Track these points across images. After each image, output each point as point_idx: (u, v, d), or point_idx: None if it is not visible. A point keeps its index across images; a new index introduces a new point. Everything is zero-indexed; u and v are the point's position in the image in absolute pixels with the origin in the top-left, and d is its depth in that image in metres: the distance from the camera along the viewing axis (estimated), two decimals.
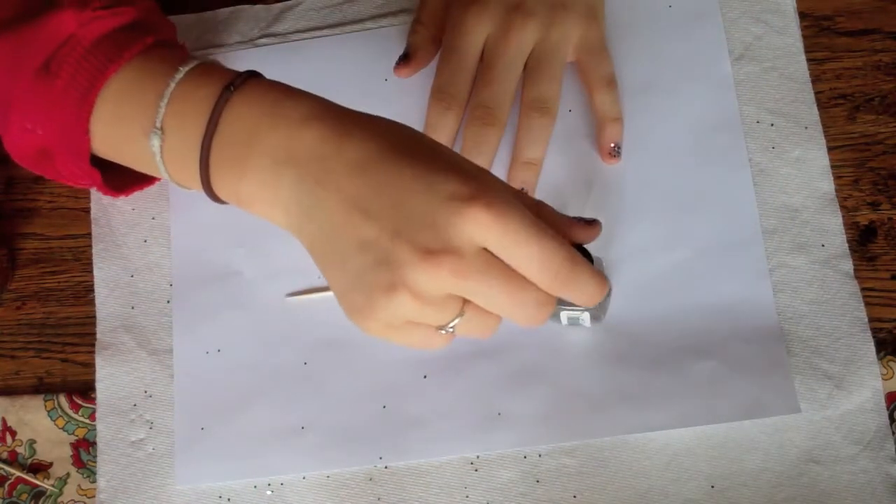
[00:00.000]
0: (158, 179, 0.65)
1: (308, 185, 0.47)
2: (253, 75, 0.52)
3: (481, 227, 0.45)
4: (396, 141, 0.47)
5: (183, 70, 0.52)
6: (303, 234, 0.48)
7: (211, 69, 0.53)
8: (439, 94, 0.62)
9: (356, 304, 0.47)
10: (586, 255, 0.53)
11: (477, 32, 0.61)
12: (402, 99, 0.66)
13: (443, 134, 0.62)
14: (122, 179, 0.62)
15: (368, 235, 0.46)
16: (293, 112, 0.49)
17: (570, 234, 0.51)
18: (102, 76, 0.53)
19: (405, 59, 0.64)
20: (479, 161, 0.61)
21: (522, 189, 0.62)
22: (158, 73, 0.53)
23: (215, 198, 0.52)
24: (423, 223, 0.45)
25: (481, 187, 0.45)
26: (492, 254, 0.46)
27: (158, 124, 0.52)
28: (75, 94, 0.54)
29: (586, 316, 0.60)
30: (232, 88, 0.50)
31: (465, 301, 0.47)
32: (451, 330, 0.48)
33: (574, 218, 0.51)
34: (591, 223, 0.51)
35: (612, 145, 0.63)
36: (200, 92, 0.51)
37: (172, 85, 0.52)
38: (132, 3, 0.57)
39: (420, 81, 0.65)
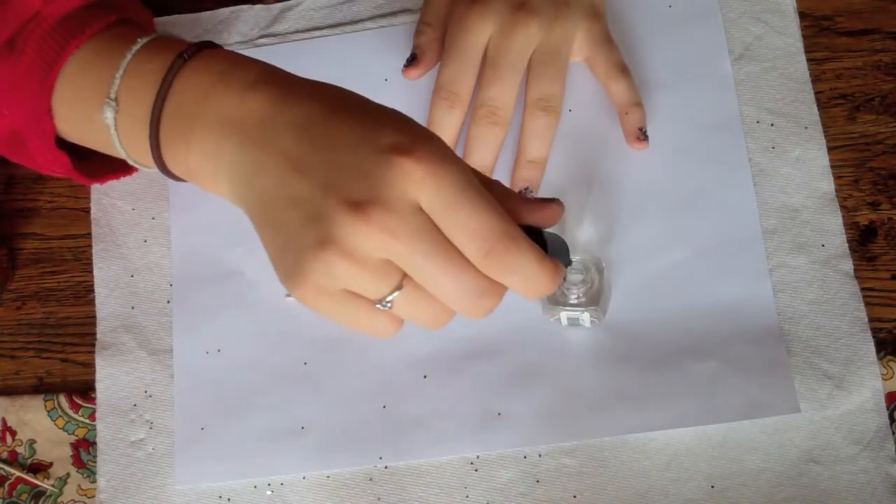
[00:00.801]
0: (134, 170, 0.64)
1: (248, 149, 0.45)
2: (207, 45, 0.51)
3: (415, 182, 0.42)
4: (341, 101, 0.45)
5: (140, 42, 0.51)
6: (243, 200, 0.46)
7: (167, 41, 0.52)
8: (443, 92, 0.62)
9: (287, 268, 0.44)
10: (551, 246, 0.47)
11: (480, 31, 0.61)
12: (402, 99, 0.66)
13: (446, 132, 0.62)
14: (97, 167, 0.61)
15: (301, 192, 0.43)
16: (242, 78, 0.47)
17: (521, 214, 0.46)
18: (64, 52, 0.53)
19: (413, 61, 0.64)
20: (483, 159, 0.62)
21: (527, 189, 0.62)
22: (116, 47, 0.52)
23: (168, 172, 0.51)
24: (354, 174, 0.42)
25: (420, 141, 0.43)
26: (430, 219, 0.43)
27: (112, 95, 0.51)
28: (38, 71, 0.53)
29: (586, 316, 0.60)
30: (185, 57, 0.49)
31: (405, 275, 0.44)
32: (388, 305, 0.44)
33: (533, 199, 0.47)
34: (549, 202, 0.46)
35: (639, 129, 0.63)
36: (154, 63, 0.50)
37: (129, 56, 0.51)
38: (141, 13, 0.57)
39: (421, 81, 0.65)
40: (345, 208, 0.42)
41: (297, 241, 0.43)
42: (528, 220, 0.46)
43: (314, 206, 0.42)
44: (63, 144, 0.57)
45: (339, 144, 0.43)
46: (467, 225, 0.42)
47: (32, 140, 0.56)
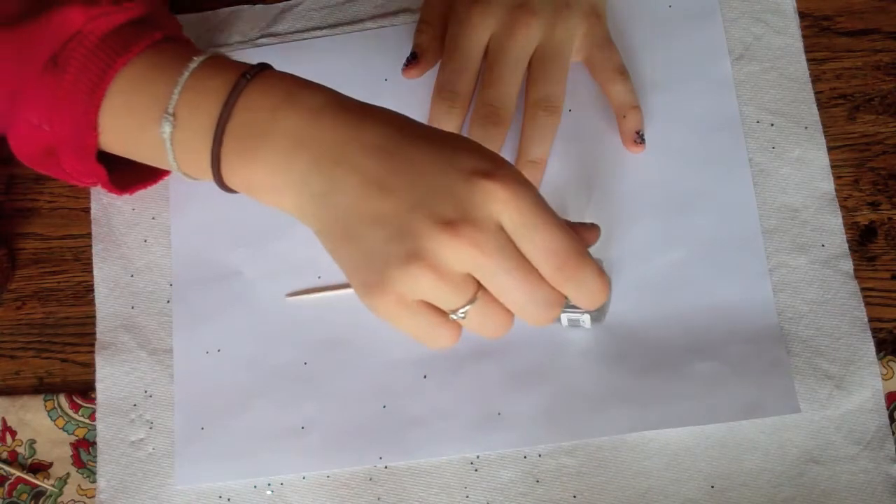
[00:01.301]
0: (162, 177, 0.65)
1: (325, 167, 0.47)
2: (266, 67, 0.52)
3: (499, 203, 0.46)
4: (411, 127, 0.49)
5: (197, 60, 0.53)
6: (314, 215, 0.49)
7: (224, 61, 0.53)
8: (443, 92, 0.62)
9: (368, 280, 0.47)
10: None
11: (481, 30, 0.61)
12: (402, 99, 0.66)
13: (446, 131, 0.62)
14: (127, 178, 0.62)
15: (386, 210, 0.46)
16: (310, 100, 0.49)
17: (575, 232, 0.51)
18: (112, 70, 0.54)
19: (413, 60, 0.64)
20: None
21: None
22: (170, 64, 0.53)
23: (224, 186, 0.52)
24: (442, 195, 0.46)
25: (499, 165, 0.47)
26: (509, 237, 0.46)
27: (171, 110, 0.52)
28: (84, 88, 0.54)
29: (587, 318, 0.60)
30: (248, 77, 0.51)
31: (480, 288, 0.47)
32: (462, 316, 0.48)
33: (577, 223, 0.52)
34: (591, 227, 0.52)
35: (636, 133, 0.63)
36: (214, 81, 0.51)
37: (186, 74, 0.52)
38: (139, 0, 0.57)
39: (421, 81, 0.65)
40: (435, 225, 0.45)
41: (383, 256, 0.46)
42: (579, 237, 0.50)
43: (401, 224, 0.46)
44: (99, 156, 0.57)
45: (421, 167, 0.46)
46: (545, 242, 0.47)
47: (68, 154, 0.57)
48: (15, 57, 0.55)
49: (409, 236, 0.45)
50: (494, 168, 0.46)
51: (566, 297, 0.58)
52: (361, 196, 0.46)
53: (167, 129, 0.52)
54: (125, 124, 0.55)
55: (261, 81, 0.51)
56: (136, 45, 0.54)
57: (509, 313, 0.48)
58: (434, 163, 0.46)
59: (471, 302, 0.47)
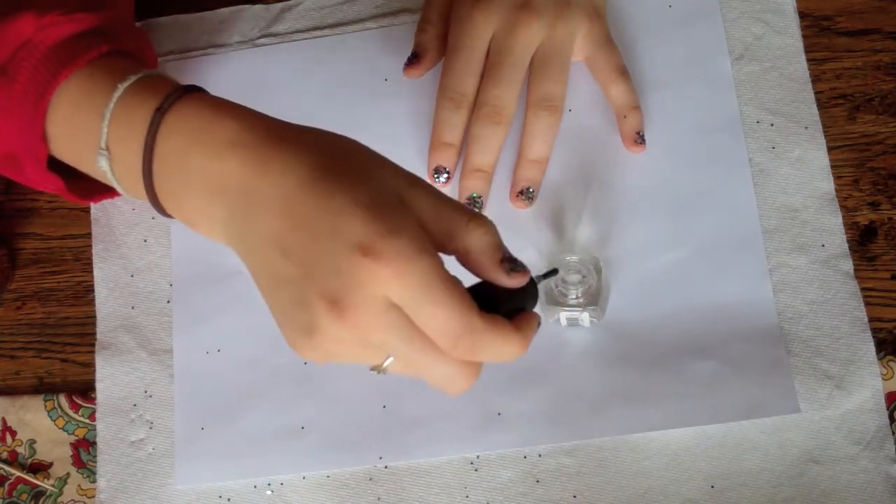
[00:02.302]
0: None
1: (237, 218, 0.47)
2: (188, 91, 0.50)
3: (381, 282, 0.43)
4: (318, 168, 0.45)
5: (121, 88, 0.51)
6: (243, 259, 0.48)
7: (147, 86, 0.51)
8: (448, 92, 0.62)
9: (288, 338, 0.46)
10: (532, 287, 0.48)
11: (484, 29, 0.61)
12: (402, 99, 0.66)
13: (452, 132, 0.62)
14: (92, 186, 0.61)
15: (286, 274, 0.45)
16: (219, 136, 0.47)
17: (494, 279, 0.47)
18: (55, 82, 0.52)
19: (415, 60, 0.64)
20: (485, 159, 0.62)
21: (528, 188, 0.62)
22: (101, 88, 0.51)
23: (171, 217, 0.52)
24: (328, 269, 0.44)
25: (385, 238, 0.43)
26: (402, 312, 0.44)
27: (103, 146, 0.51)
28: (31, 98, 0.53)
29: (585, 316, 0.60)
30: (162, 110, 0.49)
31: None
32: (384, 372, 0.46)
33: (506, 259, 0.47)
34: (518, 269, 0.47)
35: (636, 133, 0.63)
36: (136, 114, 0.50)
37: (111, 105, 0.51)
38: (97, 10, 0.56)
39: (420, 81, 0.65)
40: (324, 304, 0.44)
41: (291, 320, 0.45)
42: (500, 283, 0.47)
43: (299, 292, 0.44)
44: (58, 165, 0.56)
45: (315, 231, 0.44)
46: (434, 321, 0.44)
47: (26, 162, 0.56)
48: None
49: (306, 308, 0.44)
50: (377, 243, 0.43)
51: (550, 301, 0.58)
52: (269, 255, 0.45)
53: (104, 163, 0.51)
54: (68, 145, 0.54)
55: (174, 116, 0.49)
56: (81, 57, 0.53)
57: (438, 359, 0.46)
58: (324, 228, 0.44)
59: (387, 358, 0.46)
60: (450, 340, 0.44)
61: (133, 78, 0.51)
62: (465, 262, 0.47)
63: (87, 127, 0.51)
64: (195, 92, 0.50)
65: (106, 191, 0.62)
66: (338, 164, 0.46)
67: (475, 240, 0.46)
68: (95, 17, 0.55)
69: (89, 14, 0.55)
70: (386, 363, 0.46)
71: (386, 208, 0.44)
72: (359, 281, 0.43)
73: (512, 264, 0.47)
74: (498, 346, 0.45)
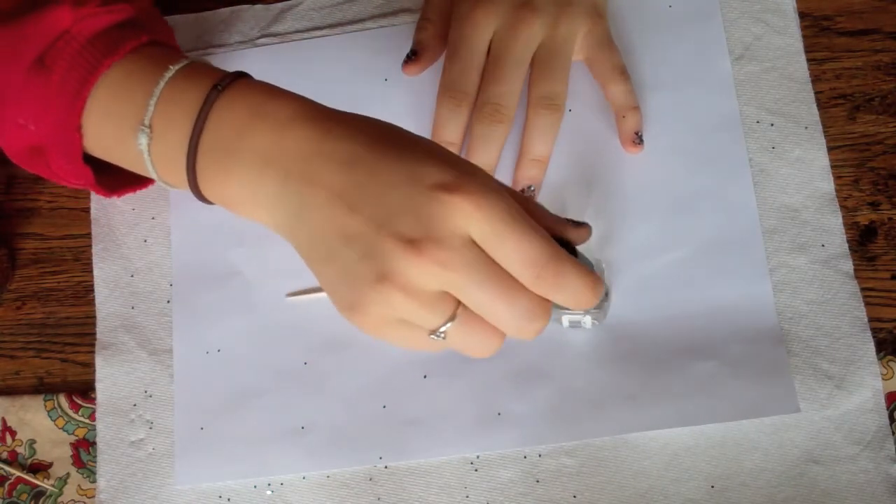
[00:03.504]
0: (152, 181, 0.65)
1: (293, 184, 0.47)
2: (241, 76, 0.52)
3: (464, 216, 0.44)
4: (379, 136, 0.47)
5: (173, 69, 0.52)
6: (290, 233, 0.48)
7: (200, 69, 0.52)
8: (449, 90, 0.62)
9: (346, 300, 0.46)
10: (579, 258, 0.51)
11: (485, 28, 0.61)
12: (402, 99, 0.66)
13: (453, 130, 0.62)
14: (117, 180, 0.62)
15: (354, 229, 0.45)
16: (278, 113, 0.48)
17: (560, 232, 0.50)
18: (95, 72, 0.53)
19: (413, 57, 0.64)
20: (486, 157, 0.62)
21: (530, 186, 0.63)
22: (149, 71, 0.53)
23: (203, 198, 0.52)
24: (405, 213, 0.44)
25: (464, 176, 0.45)
26: (481, 249, 0.45)
27: (147, 122, 0.51)
28: (69, 89, 0.54)
29: (588, 319, 0.60)
30: (219, 88, 0.50)
31: (459, 304, 0.46)
32: (442, 335, 0.47)
33: (564, 219, 0.50)
34: (581, 225, 0.50)
35: (635, 134, 0.63)
36: (189, 93, 0.51)
37: (162, 84, 0.52)
38: (129, 2, 0.57)
39: (420, 81, 0.65)
40: (399, 245, 0.44)
41: (354, 275, 0.45)
42: (565, 237, 0.50)
43: (368, 242, 0.45)
44: (87, 158, 0.57)
45: (386, 182, 0.45)
46: (518, 252, 0.45)
47: (56, 154, 0.56)
48: (4, 55, 0.55)
49: (377, 256, 0.44)
50: (458, 180, 0.45)
51: (553, 304, 0.58)
52: (331, 214, 0.46)
53: (143, 140, 0.52)
54: (105, 131, 0.54)
55: (232, 93, 0.50)
56: (122, 47, 0.54)
57: (495, 331, 0.47)
58: (398, 177, 0.45)
59: (450, 320, 0.46)
60: (535, 270, 0.45)
61: (184, 62, 0.53)
62: (531, 215, 0.47)
63: (128, 109, 0.52)
64: (247, 78, 0.52)
65: (131, 183, 0.62)
66: (394, 133, 0.48)
67: (534, 204, 0.49)
68: (132, 8, 0.56)
69: (126, 5, 0.56)
70: (445, 327, 0.46)
71: (456, 160, 0.46)
72: (439, 217, 0.44)
73: (575, 221, 0.50)
74: (575, 280, 0.46)
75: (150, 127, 0.51)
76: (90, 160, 0.57)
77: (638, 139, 0.63)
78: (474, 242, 0.45)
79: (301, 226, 0.47)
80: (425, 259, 0.44)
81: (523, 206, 0.47)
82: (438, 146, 0.48)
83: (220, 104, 0.50)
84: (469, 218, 0.44)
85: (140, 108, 0.52)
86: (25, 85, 0.55)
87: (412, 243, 0.44)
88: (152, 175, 0.54)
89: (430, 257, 0.44)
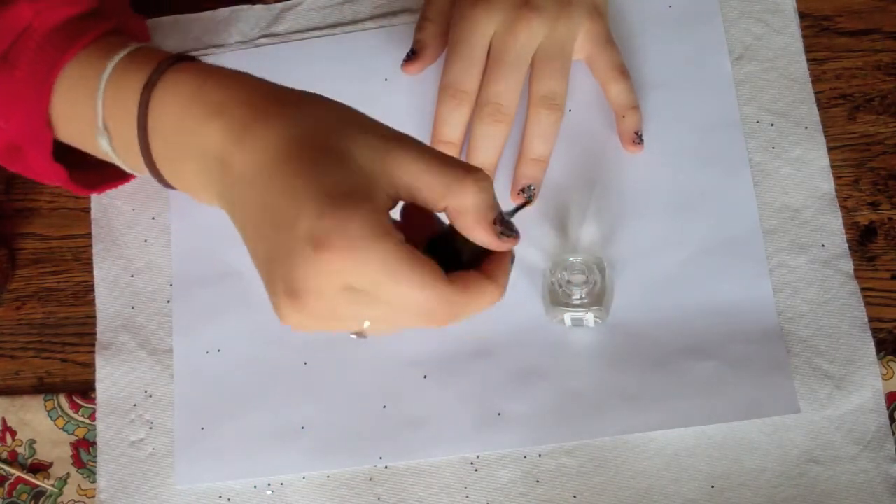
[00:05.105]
0: (131, 178, 0.64)
1: (218, 186, 0.47)
2: (179, 60, 0.51)
3: (335, 271, 0.42)
4: (294, 144, 0.45)
5: (110, 65, 0.51)
6: (235, 226, 0.48)
7: (136, 58, 0.51)
8: (450, 90, 0.62)
9: (273, 307, 0.46)
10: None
11: (485, 27, 0.61)
12: (402, 99, 0.66)
13: (454, 130, 0.62)
14: (95, 177, 0.61)
15: (255, 251, 0.46)
16: (209, 99, 0.47)
17: (477, 239, 0.45)
18: (57, 66, 0.53)
19: (413, 56, 0.64)
20: (487, 157, 0.62)
21: (530, 186, 0.62)
22: (98, 66, 0.52)
23: (172, 188, 0.52)
24: (287, 260, 0.43)
25: (337, 228, 0.42)
26: (361, 292, 0.43)
27: (100, 124, 0.51)
28: (33, 84, 0.53)
29: (590, 317, 0.60)
30: (150, 83, 0.49)
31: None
32: (364, 336, 0.46)
33: (498, 220, 0.45)
34: (509, 236, 0.45)
35: (635, 133, 0.63)
36: (127, 90, 0.50)
37: (102, 84, 0.51)
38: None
39: (420, 81, 0.65)
40: (284, 291, 0.43)
41: (269, 290, 0.45)
42: (478, 244, 0.45)
43: (266, 272, 0.45)
44: (61, 156, 0.57)
45: (277, 216, 0.44)
46: (401, 301, 0.43)
47: (31, 151, 0.56)
48: None
49: (272, 290, 0.44)
50: (329, 234, 0.42)
51: (554, 303, 0.58)
52: (243, 230, 0.46)
53: (104, 142, 0.52)
54: (73, 129, 0.54)
55: (166, 85, 0.49)
56: (79, 40, 0.53)
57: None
58: (285, 216, 0.43)
59: (361, 329, 0.45)
60: (423, 316, 0.44)
61: (123, 52, 0.51)
62: (455, 221, 0.45)
63: (86, 108, 0.52)
64: (186, 61, 0.50)
65: (111, 180, 0.62)
66: (314, 140, 0.45)
67: (468, 197, 0.44)
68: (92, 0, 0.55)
69: None
70: (364, 326, 0.45)
71: (344, 196, 0.43)
72: (313, 273, 0.43)
73: (504, 227, 0.45)
74: (475, 305, 0.44)
75: (105, 128, 0.51)
76: (76, 153, 0.57)
77: (638, 139, 0.63)
78: (353, 288, 0.43)
79: (236, 224, 0.47)
80: (305, 311, 0.43)
81: (451, 214, 0.45)
82: (338, 160, 0.44)
83: (157, 100, 0.49)
84: (342, 273, 0.42)
85: (92, 110, 0.51)
86: None
87: (292, 293, 0.43)
88: (126, 170, 0.54)
89: (308, 309, 0.43)
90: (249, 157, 0.45)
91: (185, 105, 0.48)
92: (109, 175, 0.61)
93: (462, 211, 0.44)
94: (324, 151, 0.44)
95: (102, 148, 0.52)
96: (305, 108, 0.46)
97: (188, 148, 0.48)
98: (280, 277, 0.44)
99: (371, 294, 0.43)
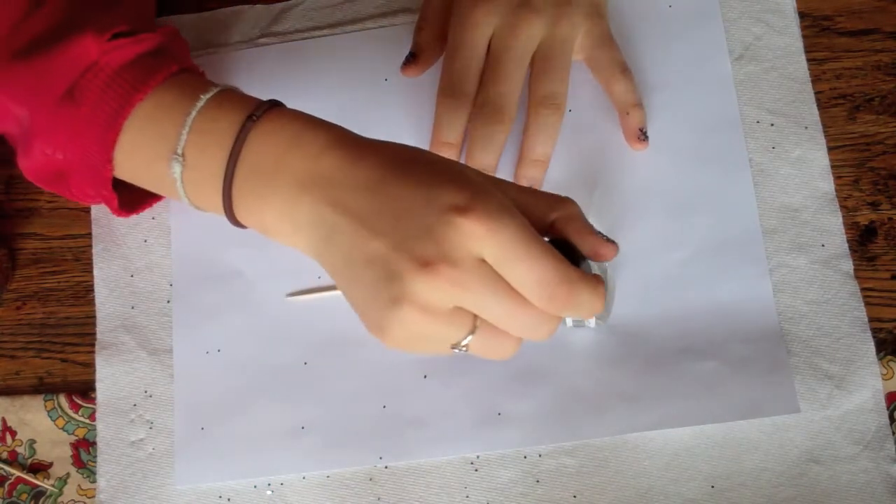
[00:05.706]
0: (161, 198, 0.65)
1: (322, 210, 0.48)
2: (274, 105, 0.52)
3: (475, 239, 0.45)
4: (403, 160, 0.48)
5: (204, 98, 0.53)
6: (322, 257, 0.49)
7: (231, 97, 0.53)
8: (449, 91, 0.62)
9: (373, 321, 0.48)
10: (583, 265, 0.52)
11: (484, 28, 0.61)
12: (402, 99, 0.66)
13: (453, 131, 0.62)
14: (134, 198, 0.62)
15: (375, 252, 0.46)
16: (314, 141, 0.50)
17: (590, 246, 0.51)
18: (129, 104, 0.54)
19: (412, 59, 0.64)
20: (486, 159, 0.61)
21: (530, 186, 0.62)
22: (180, 101, 0.53)
23: (237, 223, 0.53)
24: (421, 234, 0.46)
25: (478, 198, 0.46)
26: (493, 269, 0.46)
27: (179, 151, 0.52)
28: (100, 121, 0.54)
29: (591, 318, 0.60)
30: (254, 119, 0.51)
31: (477, 317, 0.47)
32: (464, 349, 0.48)
33: (596, 232, 0.51)
34: (609, 243, 0.51)
35: (639, 130, 0.63)
36: (222, 122, 0.52)
37: (193, 113, 0.52)
38: (153, 29, 0.57)
39: (421, 81, 0.65)
40: (414, 266, 0.45)
41: (376, 298, 0.47)
42: (590, 252, 0.51)
43: (387, 265, 0.46)
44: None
45: (405, 206, 0.46)
46: (529, 274, 0.46)
47: (80, 180, 0.57)
48: (31, 88, 0.56)
49: (395, 278, 0.46)
50: (471, 202, 0.46)
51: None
52: (355, 238, 0.47)
53: (177, 169, 0.53)
54: (136, 160, 0.55)
55: (267, 123, 0.51)
56: (153, 78, 0.54)
57: (512, 336, 0.48)
58: (416, 201, 0.46)
59: (470, 332, 0.47)
60: (546, 291, 0.46)
61: (214, 90, 0.53)
62: (565, 229, 0.50)
63: (160, 140, 0.53)
64: (278, 105, 0.53)
65: (148, 200, 0.64)
66: (417, 156, 0.49)
67: (574, 207, 0.51)
68: (159, 36, 0.57)
69: (153, 34, 0.56)
70: (467, 340, 0.47)
71: (478, 183, 0.47)
72: (452, 239, 0.45)
73: (604, 235, 0.51)
74: (586, 300, 0.47)
75: (182, 156, 0.52)
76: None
77: (643, 135, 0.63)
78: (486, 262, 0.46)
79: (331, 250, 0.48)
80: (441, 279, 0.45)
81: (560, 223, 0.50)
82: (459, 166, 0.49)
83: (256, 134, 0.51)
84: (480, 240, 0.45)
85: (172, 139, 0.53)
86: (54, 117, 0.55)
87: (427, 264, 0.45)
88: (184, 201, 0.54)
89: (445, 277, 0.45)
90: (369, 171, 0.48)
91: (290, 144, 0.50)
92: (146, 196, 0.62)
93: (573, 217, 0.50)
94: (433, 161, 0.49)
95: (172, 174, 0.53)
96: (394, 145, 0.50)
97: (284, 181, 0.49)
98: (409, 258, 0.45)
99: (501, 270, 0.46)
